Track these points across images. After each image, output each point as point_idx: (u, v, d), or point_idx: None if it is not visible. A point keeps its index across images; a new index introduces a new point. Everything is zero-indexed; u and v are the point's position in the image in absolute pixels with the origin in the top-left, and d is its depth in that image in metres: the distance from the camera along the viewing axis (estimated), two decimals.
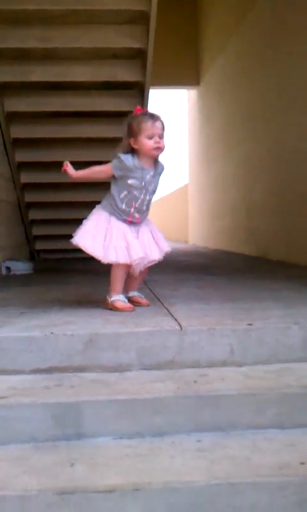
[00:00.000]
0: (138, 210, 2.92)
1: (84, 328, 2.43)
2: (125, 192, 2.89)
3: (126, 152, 2.85)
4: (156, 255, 2.97)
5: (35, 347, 2.29)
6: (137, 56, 5.15)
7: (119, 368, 2.32)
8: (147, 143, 2.78)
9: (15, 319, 2.68)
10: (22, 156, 5.84)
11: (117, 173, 2.88)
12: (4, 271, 5.08)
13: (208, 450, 1.89)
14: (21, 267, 5.14)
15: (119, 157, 2.84)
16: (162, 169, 2.97)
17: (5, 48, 4.81)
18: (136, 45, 4.98)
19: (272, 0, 6.44)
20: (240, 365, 2.40)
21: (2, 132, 5.35)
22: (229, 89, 8.61)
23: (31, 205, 6.38)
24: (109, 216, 2.92)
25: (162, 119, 2.84)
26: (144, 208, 2.95)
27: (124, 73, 5.22)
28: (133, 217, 2.92)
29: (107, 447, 1.91)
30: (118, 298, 2.92)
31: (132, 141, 2.81)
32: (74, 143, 5.62)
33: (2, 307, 3.08)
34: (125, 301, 2.93)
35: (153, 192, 2.96)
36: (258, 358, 2.41)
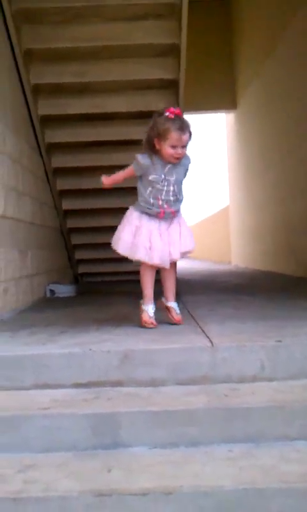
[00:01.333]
0: (166, 201, 3.05)
1: (120, 344, 2.58)
2: (150, 188, 3.04)
3: (147, 145, 2.99)
4: (178, 255, 3.09)
5: (75, 363, 2.45)
6: (170, 85, 5.35)
7: (153, 383, 2.45)
8: (168, 151, 2.91)
9: (57, 337, 2.85)
10: (62, 184, 6.10)
11: (138, 173, 3.07)
12: (48, 294, 5.29)
13: (238, 459, 2.00)
14: (64, 290, 5.35)
15: (136, 159, 3.02)
16: (187, 161, 3.07)
17: (43, 83, 5.09)
18: (168, 76, 5.18)
19: (305, 23, 6.57)
20: (270, 380, 2.49)
21: (44, 162, 5.62)
22: (266, 111, 8.74)
23: (73, 231, 6.61)
24: (140, 215, 3.09)
25: (190, 129, 2.92)
26: (172, 198, 3.05)
27: (157, 102, 5.42)
28: (164, 207, 3.05)
29: (142, 455, 2.04)
30: (146, 309, 3.10)
31: (156, 140, 2.92)
32: (111, 170, 5.82)
33: (44, 326, 3.26)
34: (150, 316, 3.08)
35: (177, 182, 3.05)
36: (288, 374, 2.50)
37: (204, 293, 5.23)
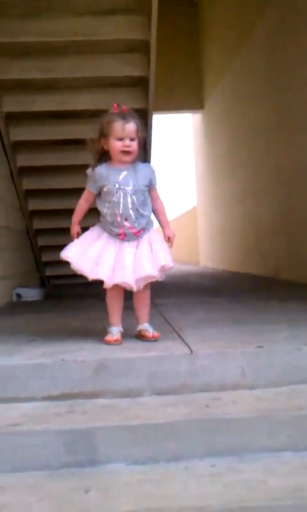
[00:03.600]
0: (125, 218, 2.69)
1: (94, 354, 2.45)
2: (107, 204, 2.71)
3: (96, 153, 2.72)
4: (150, 270, 2.67)
5: (46, 374, 2.31)
6: (139, 83, 5.23)
7: (130, 394, 2.32)
8: (116, 145, 2.63)
9: (25, 347, 2.70)
10: (28, 184, 5.91)
11: (94, 190, 2.74)
12: (14, 298, 5.11)
13: (222, 475, 1.89)
14: (31, 294, 5.18)
15: (87, 175, 2.75)
16: (146, 170, 2.75)
17: (8, 79, 4.90)
18: (137, 73, 5.05)
19: (272, 25, 6.55)
20: (251, 387, 2.40)
21: (8, 161, 5.43)
22: (232, 111, 8.71)
23: (40, 232, 6.43)
24: (101, 232, 2.76)
25: (136, 120, 2.66)
26: (133, 213, 2.69)
27: (126, 100, 5.29)
28: (125, 227, 2.70)
29: (121, 472, 1.91)
30: (110, 331, 2.76)
31: (103, 141, 2.67)
32: (79, 170, 5.68)
33: (11, 334, 3.10)
34: (113, 335, 2.71)
35: (137, 193, 2.69)
36: (270, 380, 2.41)
37: (175, 295, 5.13)
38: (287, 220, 6.34)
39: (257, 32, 7.09)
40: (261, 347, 2.47)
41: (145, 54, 4.94)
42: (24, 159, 5.67)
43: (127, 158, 2.67)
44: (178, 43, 10.26)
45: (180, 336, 2.81)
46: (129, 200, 2.68)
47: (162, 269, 2.72)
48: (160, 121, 14.82)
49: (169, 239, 2.84)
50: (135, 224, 2.71)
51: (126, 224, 2.69)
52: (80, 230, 2.80)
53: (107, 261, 2.68)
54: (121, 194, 2.67)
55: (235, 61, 8.26)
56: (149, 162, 6.00)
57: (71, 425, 2.03)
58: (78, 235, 2.79)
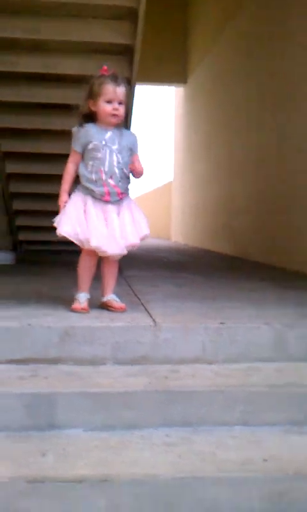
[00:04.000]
0: (111, 176, 2.68)
1: (61, 320, 2.48)
2: (91, 162, 2.69)
3: (84, 114, 2.71)
4: (134, 239, 2.74)
5: (12, 337, 2.33)
6: (125, 51, 5.15)
7: (93, 362, 2.37)
8: (105, 107, 2.63)
9: None
10: (7, 146, 5.81)
11: (79, 148, 2.71)
12: None
13: (176, 445, 1.95)
14: (2, 257, 5.16)
15: (72, 133, 2.73)
16: (130, 136, 2.77)
17: None
18: (124, 41, 4.97)
19: (259, 2, 6.49)
20: (211, 362, 2.46)
21: None
22: (215, 89, 8.66)
23: (16, 196, 6.36)
24: (84, 197, 2.72)
25: (125, 84, 2.67)
26: (118, 172, 2.69)
27: (111, 67, 5.23)
28: (109, 186, 2.68)
29: (79, 438, 1.96)
30: (77, 297, 2.77)
31: (91, 102, 2.66)
32: (61, 135, 5.61)
33: None
34: (81, 303, 2.74)
35: (122, 153, 2.70)
36: (229, 357, 2.48)
37: (145, 268, 5.17)
38: (258, 201, 6.40)
39: (243, 9, 7.02)
40: (223, 323, 2.53)
41: (133, 23, 4.86)
42: (4, 121, 5.57)
43: (114, 120, 2.67)
44: (166, 15, 10.12)
45: (146, 308, 2.85)
46: (115, 157, 2.68)
47: (143, 237, 2.79)
48: (143, 92, 14.63)
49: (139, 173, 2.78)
50: (119, 183, 2.71)
51: (111, 182, 2.69)
52: (68, 199, 2.75)
53: (102, 229, 2.68)
54: (107, 151, 2.67)
55: (220, 38, 8.18)
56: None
57: (33, 389, 2.06)
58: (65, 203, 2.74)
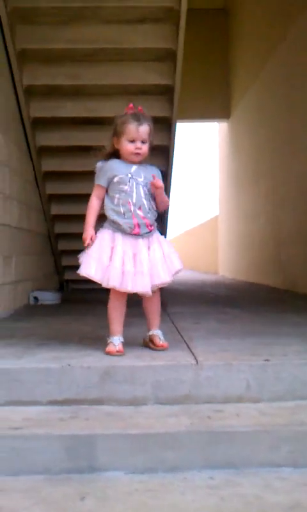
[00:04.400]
0: (139, 207, 2.66)
1: (101, 360, 2.47)
2: (117, 195, 2.68)
3: (109, 152, 2.73)
4: (165, 277, 2.69)
5: (52, 378, 2.33)
6: (165, 91, 5.27)
7: (134, 402, 2.34)
8: (127, 147, 2.65)
9: (34, 350, 2.73)
10: (52, 188, 5.98)
11: (104, 182, 2.71)
12: (32, 301, 5.16)
13: (219, 488, 1.89)
14: (48, 297, 5.22)
15: (96, 168, 2.74)
16: (153, 170, 2.76)
17: (36, 85, 4.98)
18: (164, 82, 5.10)
19: (303, 32, 6.53)
20: (256, 401, 2.40)
21: (33, 165, 5.50)
22: (259, 121, 8.70)
23: (61, 236, 6.49)
24: (113, 234, 2.69)
25: (149, 123, 2.67)
26: (146, 203, 2.68)
27: (152, 108, 5.32)
28: (138, 217, 2.66)
29: (119, 481, 1.92)
30: (111, 340, 2.68)
31: (115, 140, 2.69)
32: None
33: (23, 337, 3.14)
34: (116, 346, 2.64)
35: (147, 185, 2.69)
36: (275, 394, 2.41)
37: (189, 304, 5.13)
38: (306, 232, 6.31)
39: (287, 41, 7.08)
40: (268, 360, 2.47)
41: (172, 63, 4.98)
42: (49, 164, 5.75)
43: (137, 159, 2.69)
44: (206, 51, 10.31)
45: (188, 346, 2.81)
46: (141, 190, 2.69)
47: (176, 272, 2.75)
48: (185, 129, 14.85)
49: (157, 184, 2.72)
50: (148, 215, 2.70)
51: (140, 213, 2.67)
52: (93, 234, 2.72)
53: (127, 267, 2.63)
54: (134, 183, 2.68)
55: (263, 73, 8.26)
56: (171, 171, 6.02)
57: (73, 431, 2.04)
58: (92, 241, 2.70)
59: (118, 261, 2.64)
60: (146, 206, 2.69)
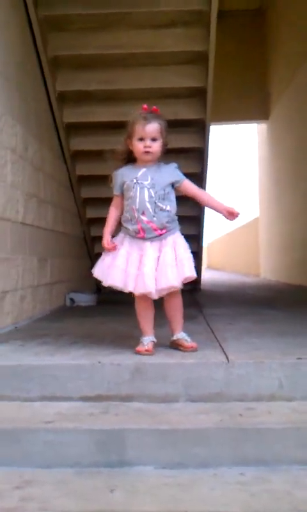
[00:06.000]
0: (142, 212, 2.63)
1: (131, 358, 2.49)
2: (126, 202, 2.70)
3: (123, 152, 2.72)
4: (173, 281, 2.62)
5: (84, 375, 2.37)
6: (198, 94, 5.28)
7: (166, 399, 2.35)
8: (137, 146, 2.62)
9: (67, 348, 2.77)
10: (87, 192, 6.06)
11: (116, 191, 2.72)
12: (68, 303, 5.23)
13: (249, 484, 1.88)
14: (84, 299, 5.28)
15: (111, 175, 2.75)
16: (167, 168, 2.72)
17: (69, 91, 5.06)
18: (196, 84, 5.12)
19: None
20: (289, 399, 2.38)
21: (68, 170, 5.59)
22: (298, 121, 8.61)
23: (97, 239, 6.57)
24: (123, 237, 2.73)
25: (159, 121, 2.63)
26: (150, 207, 2.63)
27: (185, 111, 5.36)
28: (142, 223, 2.64)
29: (148, 475, 1.94)
30: (141, 340, 2.69)
31: (128, 142, 2.68)
32: None
33: (57, 336, 3.19)
34: (144, 345, 2.65)
35: (156, 187, 2.64)
36: None
37: (226, 306, 5.11)
38: None
39: None
40: (300, 358, 2.45)
41: (204, 65, 4.99)
42: (83, 168, 5.82)
43: (148, 157, 2.65)
44: (243, 51, 10.23)
45: (220, 345, 2.81)
46: (146, 193, 2.63)
47: (185, 279, 2.66)
48: (224, 131, 14.82)
49: (232, 214, 2.69)
50: (154, 218, 2.64)
51: (144, 218, 2.64)
52: (110, 240, 2.74)
53: (132, 269, 2.65)
54: (138, 188, 2.64)
55: (301, 72, 8.17)
56: (206, 173, 6.02)
57: (103, 425, 2.07)
58: (112, 247, 2.72)
59: (120, 260, 2.67)
60: (150, 210, 2.63)
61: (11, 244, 3.63)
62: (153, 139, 2.62)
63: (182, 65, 5.06)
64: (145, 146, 2.62)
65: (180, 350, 2.69)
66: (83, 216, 6.16)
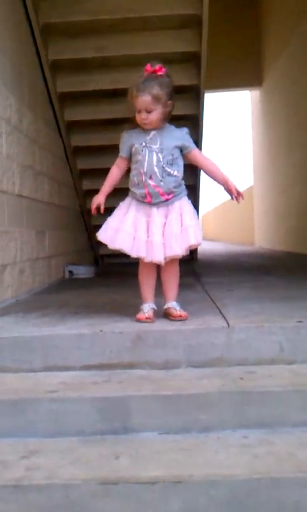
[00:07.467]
0: (150, 176, 2.59)
1: (132, 325, 2.50)
2: (134, 165, 2.65)
3: (132, 122, 2.66)
4: (177, 249, 2.61)
5: (85, 344, 2.37)
6: (192, 59, 5.18)
7: (167, 365, 2.36)
8: (137, 117, 2.59)
9: (68, 318, 2.78)
10: (83, 164, 6.00)
11: (125, 153, 2.68)
12: (67, 275, 5.23)
13: (253, 446, 1.90)
14: (83, 271, 5.28)
15: (121, 136, 2.70)
16: (177, 132, 2.66)
17: (62, 59, 4.96)
18: (190, 49, 5.01)
19: None
20: (289, 362, 2.39)
21: (63, 141, 5.51)
22: (292, 88, 8.50)
23: None
24: (130, 201, 2.69)
25: (153, 90, 2.53)
26: (158, 171, 2.60)
27: (179, 77, 5.25)
28: (149, 187, 2.60)
29: (152, 441, 1.96)
30: (141, 307, 2.68)
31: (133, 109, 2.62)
32: None
33: (57, 308, 3.19)
34: (145, 313, 2.63)
35: (164, 152, 2.60)
36: None
37: (224, 274, 5.12)
38: None
39: None
40: (300, 321, 2.45)
41: (198, 30, 4.88)
42: (78, 139, 5.75)
43: (148, 127, 2.61)
44: (234, 16, 10.02)
45: (220, 311, 2.81)
46: (154, 157, 2.59)
47: (190, 247, 2.65)
48: (217, 98, 14.62)
49: (237, 193, 2.69)
50: (161, 183, 2.60)
51: (151, 183, 2.60)
52: (103, 201, 2.72)
53: (141, 235, 2.63)
54: (147, 152, 2.59)
55: (296, 35, 8.01)
56: (201, 141, 5.96)
57: (106, 393, 2.08)
58: (98, 207, 2.71)
59: (128, 224, 2.64)
60: (158, 174, 2.59)
61: (9, 217, 3.60)
62: (148, 111, 2.56)
63: (176, 29, 4.95)
64: (142, 118, 2.58)
65: (170, 319, 2.64)
66: (79, 188, 6.11)
